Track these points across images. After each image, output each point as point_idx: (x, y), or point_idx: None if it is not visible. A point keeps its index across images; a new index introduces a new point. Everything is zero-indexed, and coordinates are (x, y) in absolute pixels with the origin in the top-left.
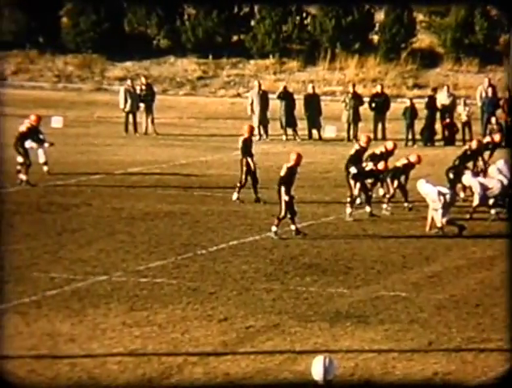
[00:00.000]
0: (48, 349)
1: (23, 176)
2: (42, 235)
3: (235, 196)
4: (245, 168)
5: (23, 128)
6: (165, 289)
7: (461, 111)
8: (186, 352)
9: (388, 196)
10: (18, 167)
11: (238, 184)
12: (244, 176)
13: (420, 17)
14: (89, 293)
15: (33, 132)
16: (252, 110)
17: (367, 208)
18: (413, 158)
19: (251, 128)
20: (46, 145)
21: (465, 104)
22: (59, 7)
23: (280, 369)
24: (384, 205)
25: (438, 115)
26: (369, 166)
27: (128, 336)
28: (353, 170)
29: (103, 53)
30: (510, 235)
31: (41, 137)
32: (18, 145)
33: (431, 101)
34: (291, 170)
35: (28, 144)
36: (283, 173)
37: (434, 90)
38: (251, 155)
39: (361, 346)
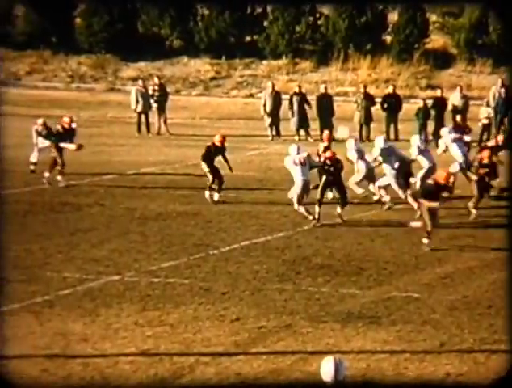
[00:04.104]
0: (60, 349)
1: (59, 177)
2: (55, 235)
3: (207, 193)
4: (207, 169)
5: (58, 127)
6: (177, 289)
7: (485, 115)
8: (198, 352)
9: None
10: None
11: (208, 184)
12: (210, 175)
13: (433, 18)
14: (101, 293)
15: (68, 135)
16: (265, 110)
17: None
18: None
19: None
20: (73, 146)
21: (487, 105)
22: (72, 8)
23: (292, 369)
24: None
25: (450, 115)
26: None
27: (140, 336)
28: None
29: (117, 54)
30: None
31: (74, 138)
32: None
33: (437, 102)
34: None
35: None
36: None
37: (441, 90)
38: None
39: (373, 347)
